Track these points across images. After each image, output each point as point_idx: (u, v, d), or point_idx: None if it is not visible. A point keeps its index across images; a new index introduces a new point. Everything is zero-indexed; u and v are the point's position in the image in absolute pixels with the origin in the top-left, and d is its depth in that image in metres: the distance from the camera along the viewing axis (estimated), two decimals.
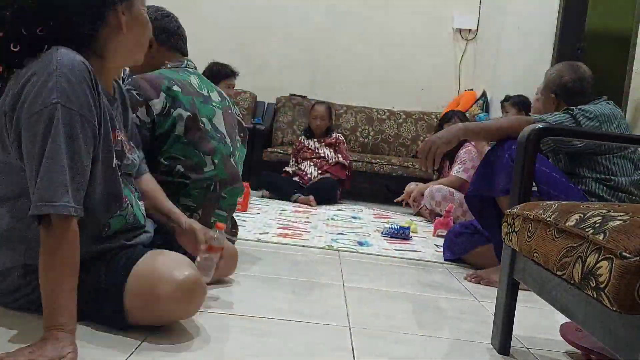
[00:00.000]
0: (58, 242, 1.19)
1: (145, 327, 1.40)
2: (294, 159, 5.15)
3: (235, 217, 2.44)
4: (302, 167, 5.02)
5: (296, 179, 4.96)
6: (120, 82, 1.61)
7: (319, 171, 4.95)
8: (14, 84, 1.27)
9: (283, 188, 4.81)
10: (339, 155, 5.06)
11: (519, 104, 4.57)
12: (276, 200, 4.67)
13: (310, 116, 5.21)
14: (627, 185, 2.34)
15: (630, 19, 3.34)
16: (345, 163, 5.05)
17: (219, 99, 2.16)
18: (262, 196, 4.86)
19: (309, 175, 4.93)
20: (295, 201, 4.65)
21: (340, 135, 5.27)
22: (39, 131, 1.20)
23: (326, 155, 5.04)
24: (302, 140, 5.19)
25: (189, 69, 2.09)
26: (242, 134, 2.27)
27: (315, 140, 5.14)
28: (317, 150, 5.06)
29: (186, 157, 1.92)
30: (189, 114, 1.95)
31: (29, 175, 1.21)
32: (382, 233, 3.37)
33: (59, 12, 1.30)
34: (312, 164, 5.00)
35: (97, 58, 1.37)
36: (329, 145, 5.10)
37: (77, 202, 1.21)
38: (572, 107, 2.38)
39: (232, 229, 2.34)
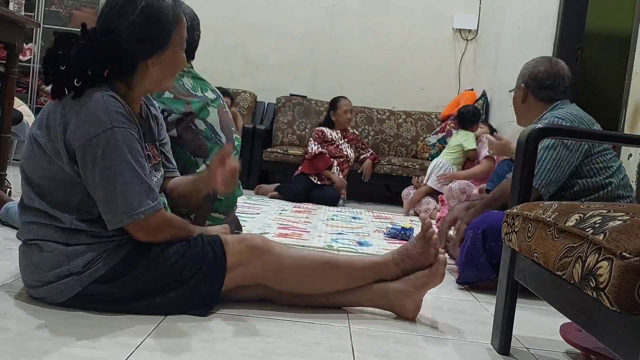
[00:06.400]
0: (163, 228, 1.52)
1: (145, 327, 1.41)
2: (317, 144, 4.96)
3: (238, 218, 2.44)
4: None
5: (313, 179, 4.87)
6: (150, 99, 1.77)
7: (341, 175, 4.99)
8: (63, 116, 1.47)
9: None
10: (368, 152, 5.22)
11: (459, 117, 4.92)
12: (281, 201, 4.70)
13: (339, 110, 5.04)
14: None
15: (630, 19, 3.34)
16: (373, 156, 5.23)
17: (214, 96, 2.17)
18: (270, 197, 4.86)
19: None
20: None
21: (355, 131, 5.34)
22: (100, 153, 1.44)
23: (348, 154, 5.05)
24: (324, 130, 5.05)
25: (182, 71, 2.09)
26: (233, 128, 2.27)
27: (337, 131, 5.08)
28: (340, 147, 5.02)
29: (177, 159, 1.92)
30: (178, 116, 2.01)
31: (107, 191, 1.45)
32: (385, 234, 3.37)
33: (109, 60, 1.52)
34: (337, 166, 4.95)
35: (126, 88, 1.58)
36: (351, 141, 5.12)
37: (155, 199, 1.49)
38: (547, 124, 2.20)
39: (236, 230, 2.34)
